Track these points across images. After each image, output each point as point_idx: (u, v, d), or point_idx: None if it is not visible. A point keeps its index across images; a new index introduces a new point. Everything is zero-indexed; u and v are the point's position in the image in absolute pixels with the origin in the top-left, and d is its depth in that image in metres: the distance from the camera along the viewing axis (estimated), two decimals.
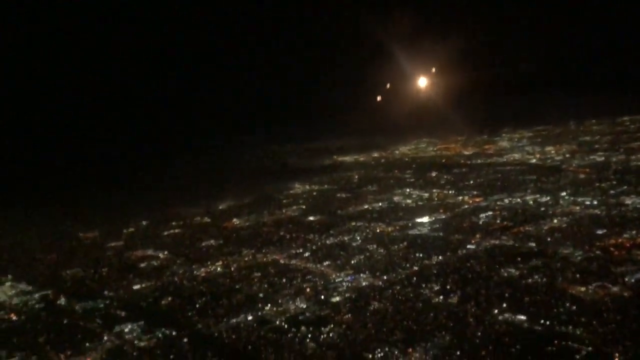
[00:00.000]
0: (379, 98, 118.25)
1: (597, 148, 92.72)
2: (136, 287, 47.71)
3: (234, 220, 72.36)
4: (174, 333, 36.70)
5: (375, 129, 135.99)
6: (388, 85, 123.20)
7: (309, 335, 34.01)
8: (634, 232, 44.84)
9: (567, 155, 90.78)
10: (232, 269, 51.06)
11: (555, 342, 28.86)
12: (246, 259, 53.97)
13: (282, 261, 51.55)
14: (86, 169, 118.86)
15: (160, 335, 36.33)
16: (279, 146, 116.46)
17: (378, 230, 59.55)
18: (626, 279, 36.08)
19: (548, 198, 61.97)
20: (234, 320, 38.03)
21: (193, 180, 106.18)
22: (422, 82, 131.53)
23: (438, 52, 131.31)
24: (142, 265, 56.00)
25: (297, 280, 45.15)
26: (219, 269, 51.19)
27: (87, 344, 35.00)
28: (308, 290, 42.28)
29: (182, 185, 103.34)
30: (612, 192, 60.61)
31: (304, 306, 39.11)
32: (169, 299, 44.05)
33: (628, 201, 55.75)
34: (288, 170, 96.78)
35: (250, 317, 38.04)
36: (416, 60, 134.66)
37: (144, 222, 77.02)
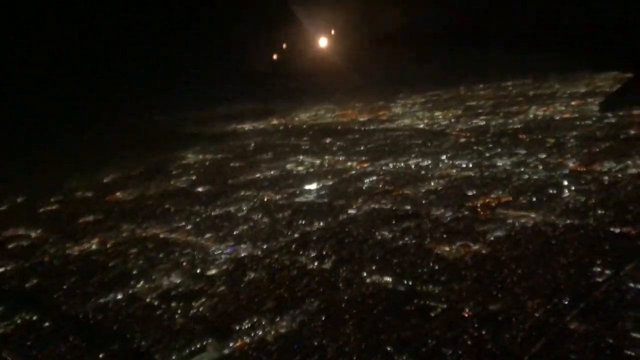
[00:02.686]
0: (275, 56, 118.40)
1: (480, 112, 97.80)
2: (0, 270, 44.95)
3: (118, 193, 68.85)
4: (34, 317, 34.66)
5: (275, 93, 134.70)
6: (285, 46, 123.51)
7: (179, 311, 33.20)
8: (500, 192, 47.64)
9: (453, 120, 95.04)
10: (108, 245, 48.57)
11: (415, 301, 30.01)
12: (124, 234, 51.48)
13: (162, 235, 49.65)
14: None
15: (19, 320, 34.06)
16: (170, 115, 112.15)
17: (265, 199, 59.00)
18: (487, 237, 38.34)
19: (429, 162, 64.38)
20: (102, 300, 36.26)
21: (77, 153, 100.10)
22: (323, 42, 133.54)
23: (338, 13, 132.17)
24: (10, 245, 52.08)
25: (174, 255, 43.71)
26: (94, 246, 48.49)
27: None
28: (185, 264, 41.02)
29: (65, 159, 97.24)
30: (487, 154, 64.02)
31: (178, 281, 37.91)
32: (35, 280, 41.51)
33: (500, 162, 59.17)
34: (180, 140, 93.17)
35: (120, 296, 36.34)
36: (316, 21, 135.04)
37: (19, 199, 71.76)
